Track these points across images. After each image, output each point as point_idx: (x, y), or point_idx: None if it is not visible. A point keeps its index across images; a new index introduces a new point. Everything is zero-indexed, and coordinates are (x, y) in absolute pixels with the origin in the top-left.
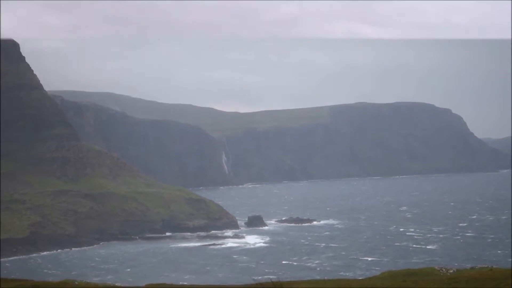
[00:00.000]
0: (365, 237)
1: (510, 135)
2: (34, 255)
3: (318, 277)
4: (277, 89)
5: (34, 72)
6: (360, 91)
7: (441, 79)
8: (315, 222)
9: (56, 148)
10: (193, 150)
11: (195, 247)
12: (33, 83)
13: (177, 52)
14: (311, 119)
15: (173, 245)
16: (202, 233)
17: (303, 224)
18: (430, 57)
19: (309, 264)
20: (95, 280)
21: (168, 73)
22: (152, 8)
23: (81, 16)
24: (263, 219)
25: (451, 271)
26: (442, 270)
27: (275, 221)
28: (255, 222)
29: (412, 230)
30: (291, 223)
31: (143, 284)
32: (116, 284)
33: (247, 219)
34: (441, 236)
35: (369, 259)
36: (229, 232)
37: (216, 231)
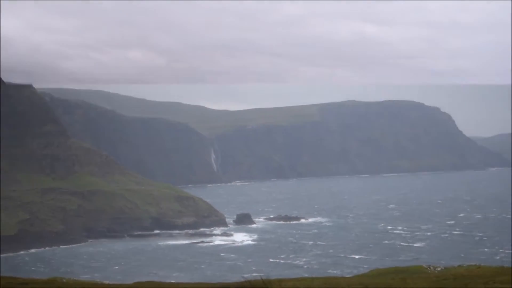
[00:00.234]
0: (353, 235)
1: (499, 133)
2: (22, 252)
3: (306, 275)
4: (266, 86)
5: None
6: (350, 89)
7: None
8: (303, 220)
9: (45, 145)
10: (182, 148)
11: (183, 245)
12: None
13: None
14: (300, 117)
15: (161, 243)
16: (191, 231)
17: (291, 222)
18: None
19: (296, 262)
20: (83, 277)
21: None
22: (153, 8)
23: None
24: (252, 217)
25: (439, 269)
26: (430, 268)
27: (264, 219)
28: (243, 220)
29: (400, 228)
30: (280, 221)
31: (131, 282)
32: (104, 282)
33: (235, 217)
34: (429, 234)
35: (357, 257)
36: (217, 230)
37: (204, 229)
